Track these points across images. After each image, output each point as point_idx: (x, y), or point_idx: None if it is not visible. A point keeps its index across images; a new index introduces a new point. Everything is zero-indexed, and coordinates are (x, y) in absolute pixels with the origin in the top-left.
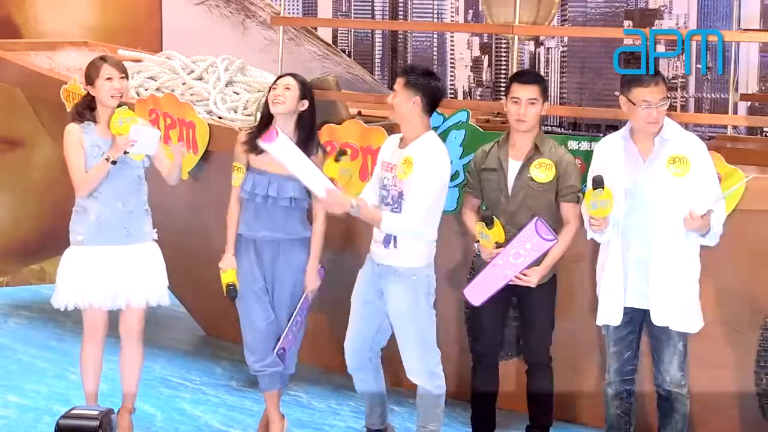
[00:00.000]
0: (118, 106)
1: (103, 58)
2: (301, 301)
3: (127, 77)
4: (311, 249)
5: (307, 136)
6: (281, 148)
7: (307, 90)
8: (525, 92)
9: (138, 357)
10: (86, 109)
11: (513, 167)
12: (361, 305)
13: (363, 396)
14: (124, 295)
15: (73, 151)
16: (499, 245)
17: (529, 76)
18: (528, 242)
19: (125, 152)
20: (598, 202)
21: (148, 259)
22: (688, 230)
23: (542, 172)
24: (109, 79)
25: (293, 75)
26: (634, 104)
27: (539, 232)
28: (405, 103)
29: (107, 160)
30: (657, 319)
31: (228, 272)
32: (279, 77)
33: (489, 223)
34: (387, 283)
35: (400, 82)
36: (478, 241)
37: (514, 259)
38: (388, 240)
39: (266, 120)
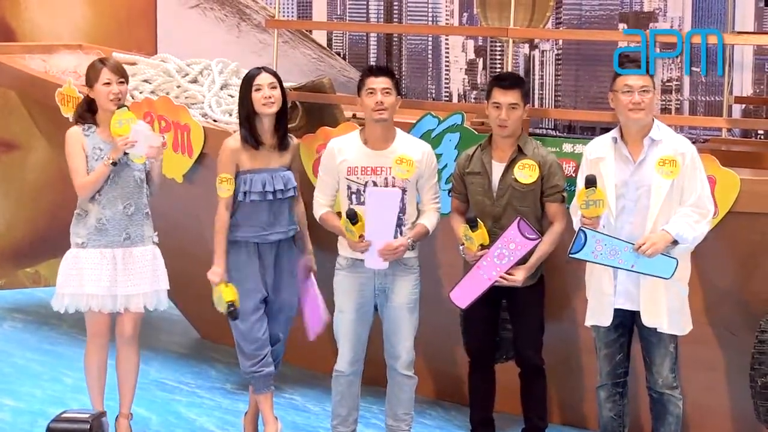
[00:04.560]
0: (119, 107)
1: (102, 61)
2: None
3: (126, 81)
4: (304, 233)
5: (284, 131)
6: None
7: (282, 83)
8: (506, 97)
9: (133, 361)
10: (87, 112)
11: (497, 169)
12: (357, 311)
13: (341, 404)
14: (123, 298)
15: (74, 155)
16: (483, 247)
17: (510, 80)
18: (512, 242)
19: (125, 153)
20: (591, 201)
21: (147, 262)
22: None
23: (526, 173)
24: (107, 83)
25: (269, 71)
26: (617, 92)
27: (522, 231)
28: (395, 103)
29: (109, 161)
30: (647, 320)
31: (228, 289)
32: (253, 76)
33: (473, 226)
34: (394, 279)
35: (388, 82)
36: (463, 244)
37: (499, 260)
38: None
39: (251, 121)
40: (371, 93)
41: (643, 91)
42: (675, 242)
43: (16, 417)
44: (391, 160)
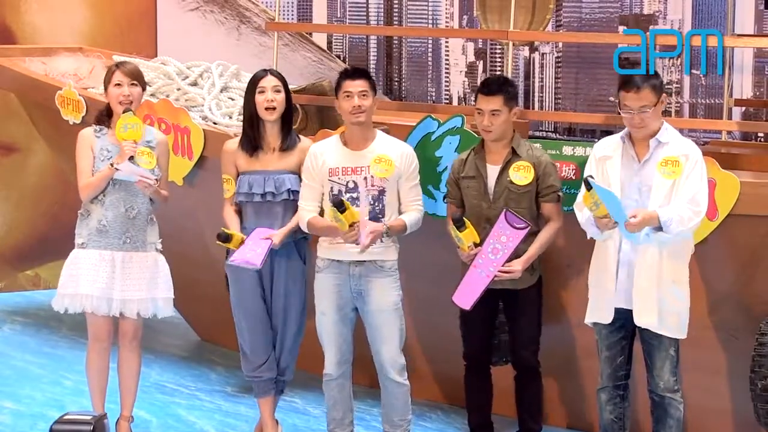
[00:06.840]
0: (125, 111)
1: (118, 64)
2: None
3: (140, 84)
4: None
5: (288, 132)
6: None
7: (287, 86)
8: (487, 104)
9: (133, 365)
10: (105, 115)
11: (492, 172)
12: (337, 312)
13: (335, 407)
14: (119, 303)
15: (81, 156)
16: (477, 245)
17: (492, 86)
18: (502, 235)
19: (131, 158)
20: (597, 202)
21: (147, 268)
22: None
23: (521, 174)
24: (118, 85)
25: (275, 74)
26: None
27: (510, 222)
28: (373, 105)
29: (112, 165)
30: (638, 319)
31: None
32: (259, 78)
33: (459, 226)
34: (369, 281)
35: (365, 84)
36: (459, 247)
37: (493, 255)
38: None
39: (255, 124)
40: (348, 96)
41: (642, 111)
42: (660, 228)
43: (16, 420)
44: (369, 159)
